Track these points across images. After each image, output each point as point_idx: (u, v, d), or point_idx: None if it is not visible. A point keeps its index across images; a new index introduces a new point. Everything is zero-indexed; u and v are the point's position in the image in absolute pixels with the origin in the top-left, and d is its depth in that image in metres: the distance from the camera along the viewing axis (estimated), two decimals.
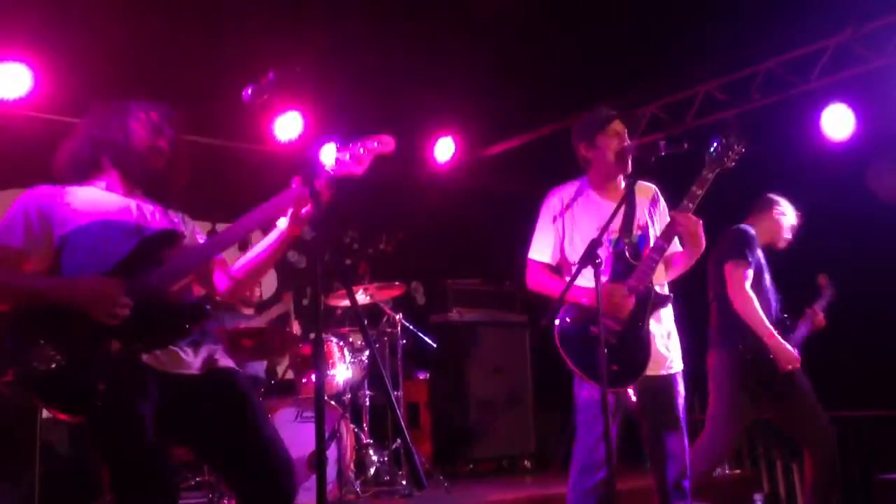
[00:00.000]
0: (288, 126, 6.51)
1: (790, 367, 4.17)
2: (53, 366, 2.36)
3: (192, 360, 2.62)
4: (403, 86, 6.52)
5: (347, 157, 2.74)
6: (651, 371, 3.32)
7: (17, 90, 5.72)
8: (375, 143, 2.75)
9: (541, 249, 3.55)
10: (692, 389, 6.31)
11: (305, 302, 7.26)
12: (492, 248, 7.47)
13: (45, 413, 5.52)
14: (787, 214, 4.54)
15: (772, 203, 4.53)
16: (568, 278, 3.39)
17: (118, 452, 2.40)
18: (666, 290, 3.46)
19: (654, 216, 3.55)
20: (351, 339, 5.60)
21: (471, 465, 6.69)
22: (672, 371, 3.43)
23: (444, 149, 7.61)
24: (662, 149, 3.24)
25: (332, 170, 2.74)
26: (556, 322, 3.35)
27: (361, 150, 2.74)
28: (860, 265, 5.46)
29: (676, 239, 3.46)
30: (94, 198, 2.72)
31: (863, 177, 5.76)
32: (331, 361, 5.37)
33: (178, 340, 2.59)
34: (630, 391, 3.26)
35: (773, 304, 4.41)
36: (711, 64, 6.40)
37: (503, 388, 6.99)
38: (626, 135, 3.50)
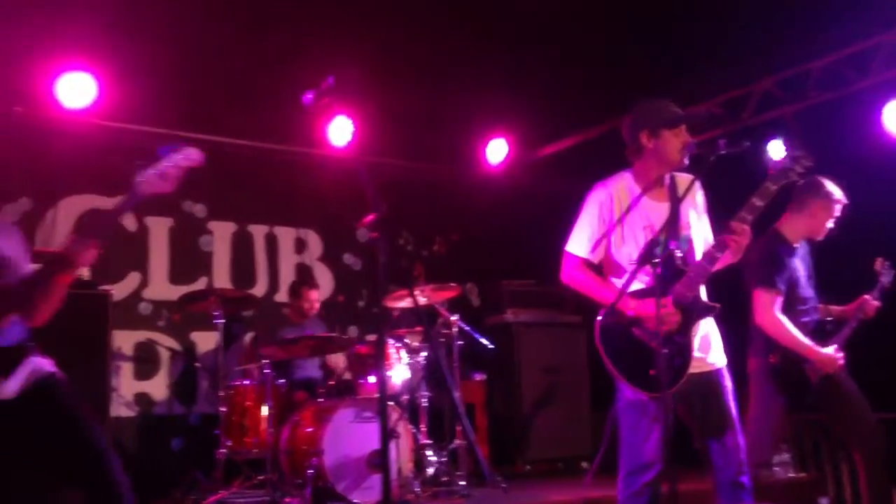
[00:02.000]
0: (341, 130, 6.59)
1: (833, 370, 4.10)
2: None
3: (7, 384, 2.75)
4: (455, 88, 6.56)
5: (156, 174, 2.82)
6: (693, 369, 3.24)
7: (83, 99, 5.88)
8: (182, 157, 2.84)
9: (581, 243, 3.42)
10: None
11: (361, 304, 7.35)
12: (545, 248, 7.40)
13: (113, 412, 5.70)
14: (827, 207, 4.29)
15: (811, 195, 4.29)
16: (615, 279, 3.38)
17: None
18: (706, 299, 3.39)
19: (693, 210, 3.45)
20: (407, 341, 5.65)
21: (528, 466, 6.70)
22: (715, 367, 3.36)
23: (497, 150, 7.63)
24: (722, 147, 3.19)
25: (140, 189, 2.82)
26: (599, 320, 3.30)
27: (170, 166, 2.82)
28: None
29: None
30: None
31: None
32: (388, 362, 5.43)
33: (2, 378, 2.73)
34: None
35: (812, 310, 4.31)
36: (768, 60, 6.31)
37: (559, 389, 6.99)
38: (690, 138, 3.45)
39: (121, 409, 6.13)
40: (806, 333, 4.15)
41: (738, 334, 4.12)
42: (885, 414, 4.40)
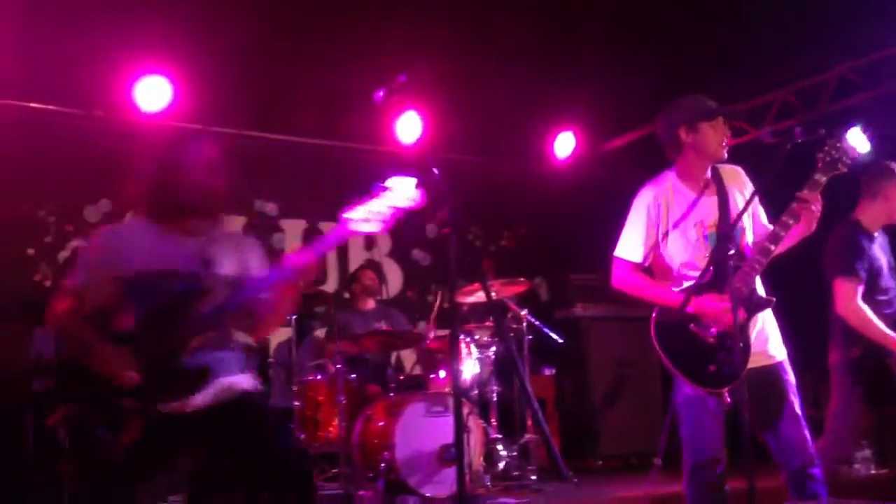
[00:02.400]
0: (410, 126, 6.64)
1: None
2: (77, 412, 2.71)
3: (201, 396, 2.76)
4: (523, 82, 6.54)
5: (366, 214, 2.65)
6: (751, 364, 3.20)
7: (159, 102, 6.05)
8: (397, 197, 2.64)
9: (632, 247, 3.39)
10: (810, 385, 6.10)
11: (431, 299, 7.39)
12: (614, 241, 7.38)
13: None
14: None
15: (883, 179, 4.19)
16: (664, 279, 3.36)
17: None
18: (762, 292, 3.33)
19: (742, 201, 3.38)
20: (477, 336, 5.67)
21: (599, 462, 6.65)
22: (774, 360, 3.31)
23: (565, 144, 7.59)
24: (798, 135, 3.13)
25: (346, 229, 2.69)
26: (653, 317, 3.28)
27: (383, 204, 2.65)
28: None
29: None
30: (146, 241, 2.88)
31: None
32: (459, 357, 5.45)
33: (186, 398, 2.74)
34: (725, 393, 3.15)
35: (895, 300, 4.20)
36: (846, 45, 6.13)
37: (631, 384, 6.92)
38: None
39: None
40: (888, 325, 4.04)
41: (803, 327, 4.05)
42: None
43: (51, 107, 6.02)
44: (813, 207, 3.16)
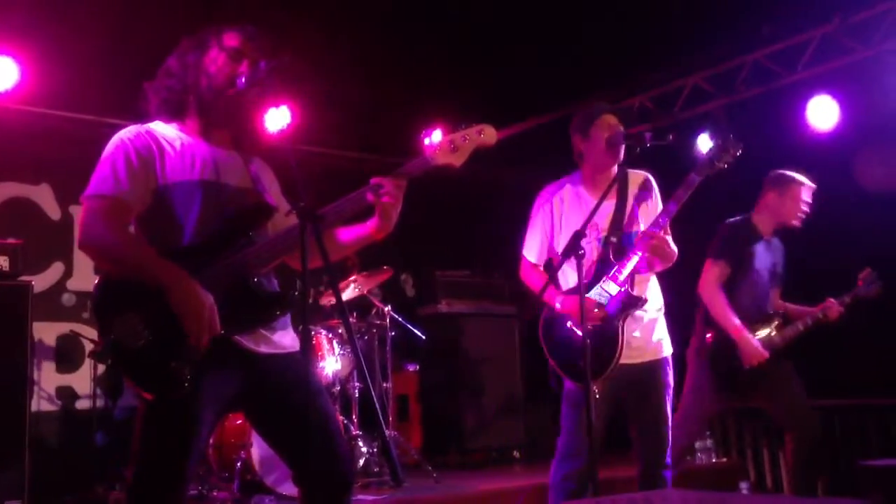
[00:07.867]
0: (276, 117, 6.49)
1: (753, 363, 4.19)
2: (140, 342, 2.39)
3: (279, 339, 2.61)
4: (394, 77, 6.53)
5: (449, 146, 2.60)
6: (629, 360, 3.34)
7: (4, 83, 5.68)
8: (479, 135, 2.61)
9: (530, 248, 3.62)
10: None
11: (294, 293, 7.26)
12: (480, 239, 7.48)
13: (34, 406, 5.53)
14: (791, 193, 4.43)
15: (773, 184, 4.47)
16: (561, 276, 3.47)
17: (158, 444, 2.48)
18: (640, 293, 3.46)
19: (645, 207, 3.54)
20: (340, 332, 5.61)
21: (461, 456, 6.71)
22: (654, 358, 3.45)
23: (433, 139, 7.62)
24: (648, 140, 3.29)
25: (431, 159, 2.62)
26: (542, 316, 3.45)
27: (465, 140, 2.59)
28: (843, 256, 5.49)
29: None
30: (180, 148, 2.63)
31: (847, 167, 5.79)
32: (320, 354, 5.38)
33: (262, 327, 2.57)
34: (595, 388, 3.25)
35: (763, 296, 4.43)
36: (699, 55, 6.43)
37: (493, 380, 7.00)
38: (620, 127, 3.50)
39: (42, 403, 5.94)
40: (742, 316, 4.24)
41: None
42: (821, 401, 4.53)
43: None
44: (651, 242, 3.29)
